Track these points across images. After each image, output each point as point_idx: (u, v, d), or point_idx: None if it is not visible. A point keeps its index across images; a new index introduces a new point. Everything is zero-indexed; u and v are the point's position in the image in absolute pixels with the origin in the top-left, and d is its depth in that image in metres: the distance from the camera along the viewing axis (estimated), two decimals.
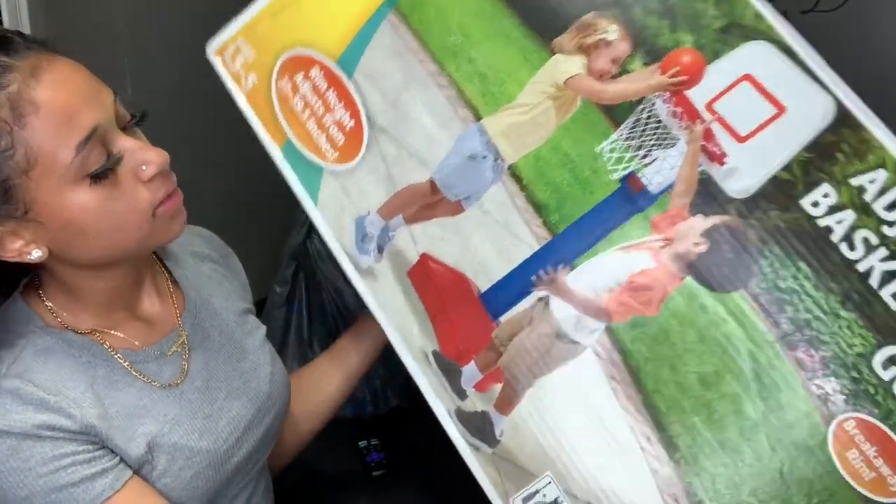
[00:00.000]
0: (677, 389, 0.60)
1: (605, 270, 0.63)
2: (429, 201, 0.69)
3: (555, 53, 0.67)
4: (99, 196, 0.62)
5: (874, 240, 0.58)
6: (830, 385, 0.57)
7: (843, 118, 0.60)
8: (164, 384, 0.72)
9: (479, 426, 0.65)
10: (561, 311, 0.64)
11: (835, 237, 0.58)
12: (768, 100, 0.62)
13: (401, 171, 0.70)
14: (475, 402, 0.65)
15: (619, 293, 0.62)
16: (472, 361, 0.66)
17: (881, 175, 0.58)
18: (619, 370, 0.62)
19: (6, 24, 1.28)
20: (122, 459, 0.68)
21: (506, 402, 0.65)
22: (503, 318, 0.66)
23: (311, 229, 1.74)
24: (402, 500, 0.97)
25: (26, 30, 1.28)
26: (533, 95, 0.67)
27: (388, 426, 1.04)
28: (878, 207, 0.58)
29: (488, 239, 0.67)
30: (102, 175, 0.62)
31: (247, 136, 0.75)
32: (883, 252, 0.57)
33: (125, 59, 0.89)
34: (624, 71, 0.65)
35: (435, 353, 0.67)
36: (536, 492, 0.63)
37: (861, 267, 0.58)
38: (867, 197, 0.58)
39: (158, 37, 1.20)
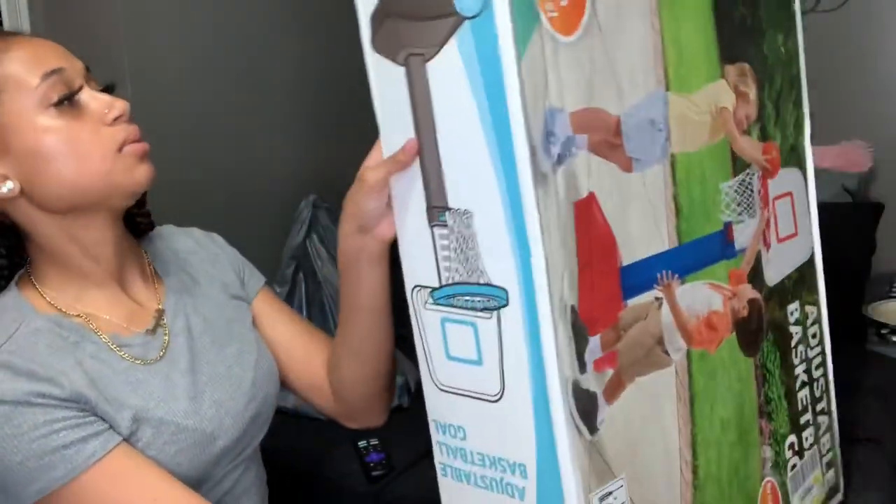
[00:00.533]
0: (709, 425, 0.77)
1: (696, 298, 0.77)
2: (611, 140, 0.68)
3: (723, 78, 0.79)
4: (63, 123, 0.78)
5: (803, 355, 0.89)
6: (768, 453, 0.83)
7: (812, 258, 0.91)
8: (149, 362, 0.86)
9: (588, 408, 0.67)
10: (666, 318, 0.73)
11: (792, 343, 0.88)
12: (793, 219, 0.89)
13: (601, 83, 0.68)
14: (590, 381, 0.66)
15: (700, 323, 0.76)
16: (599, 335, 0.67)
17: (814, 311, 0.91)
18: (685, 393, 0.75)
19: (6, 25, 1.59)
20: (111, 426, 0.80)
21: (612, 391, 0.69)
22: (630, 302, 0.70)
23: (311, 229, 1.85)
24: (402, 500, 0.76)
25: (26, 30, 1.55)
26: (703, 103, 0.77)
27: (388, 426, 1.05)
28: (809, 335, 0.90)
29: (640, 213, 0.72)
30: (67, 105, 0.78)
31: (247, 136, 1.01)
32: (803, 367, 0.89)
33: (125, 60, 1.15)
34: (747, 131, 0.82)
35: (573, 309, 0.65)
36: (610, 493, 0.68)
37: (795, 372, 0.88)
38: (808, 323, 0.90)
39: (158, 37, 1.26)
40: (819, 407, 0.94)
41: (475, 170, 0.67)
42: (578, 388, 0.67)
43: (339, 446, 1.33)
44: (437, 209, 0.71)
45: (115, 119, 0.80)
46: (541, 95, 0.64)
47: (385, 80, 0.72)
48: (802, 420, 0.91)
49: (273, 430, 0.96)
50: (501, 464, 0.71)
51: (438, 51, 0.67)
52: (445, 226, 0.71)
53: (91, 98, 0.80)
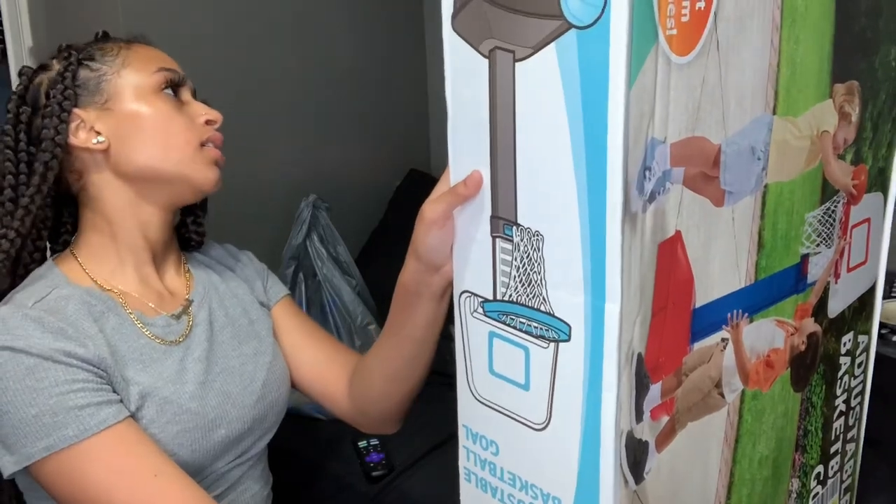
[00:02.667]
0: (748, 464, 0.74)
1: (761, 336, 0.72)
2: (708, 173, 0.61)
3: (830, 98, 0.71)
4: (163, 106, 0.89)
5: (847, 385, 0.85)
6: (795, 485, 0.81)
7: (875, 286, 0.85)
8: (168, 343, 0.90)
9: (637, 458, 0.63)
10: (728, 360, 0.68)
11: (839, 374, 0.83)
12: (866, 247, 0.83)
13: (708, 109, 0.60)
14: (644, 430, 0.62)
15: (759, 362, 0.71)
16: (661, 381, 0.62)
17: (866, 340, 0.86)
18: (732, 434, 0.71)
19: (6, 25, 1.67)
20: (121, 400, 0.84)
21: (664, 439, 0.65)
22: (696, 346, 0.65)
23: (311, 229, 1.85)
24: (402, 500, 0.72)
25: (26, 30, 1.68)
26: (806, 126, 0.69)
27: None
28: (856, 364, 0.86)
29: (723, 251, 0.65)
30: (171, 95, 0.90)
31: (247, 136, 0.95)
32: (843, 397, 0.85)
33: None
34: (842, 155, 0.75)
35: (639, 357, 0.60)
36: None
37: (835, 402, 0.84)
38: (857, 352, 0.86)
39: (158, 37, 1.14)
40: (850, 435, 0.91)
41: (556, 193, 0.60)
42: (632, 439, 0.63)
43: (339, 446, 1.34)
44: (503, 221, 0.65)
45: (208, 122, 0.91)
46: (645, 125, 0.56)
47: (462, 67, 0.63)
48: (832, 450, 0.88)
49: None
50: (534, 490, 0.68)
51: (533, 53, 0.59)
52: (510, 241, 0.64)
53: (192, 101, 0.92)
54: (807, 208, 0.74)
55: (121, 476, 0.76)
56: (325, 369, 0.98)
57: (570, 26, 0.56)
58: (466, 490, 0.75)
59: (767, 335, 0.74)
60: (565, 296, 0.61)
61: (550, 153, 0.59)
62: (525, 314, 0.64)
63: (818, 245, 0.77)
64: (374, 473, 1.37)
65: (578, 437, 0.63)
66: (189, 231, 1.01)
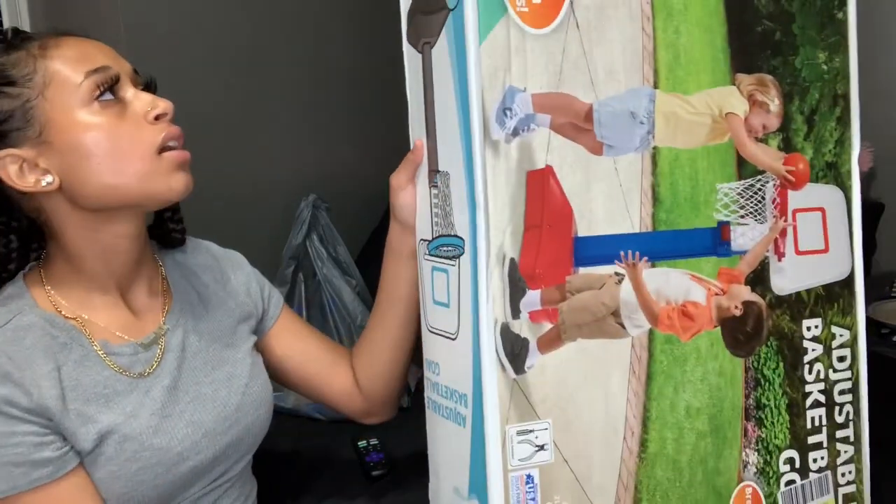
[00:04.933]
0: (669, 406, 0.80)
1: (670, 284, 0.81)
2: (579, 124, 0.76)
3: (733, 84, 0.82)
4: (105, 119, 0.82)
5: (821, 375, 0.87)
6: (752, 458, 0.83)
7: (850, 280, 0.89)
8: (134, 375, 0.88)
9: (516, 350, 0.74)
10: (626, 294, 0.78)
11: (805, 358, 0.86)
12: (823, 235, 0.88)
13: (572, 75, 0.77)
14: (522, 327, 0.74)
15: (671, 309, 0.80)
16: (540, 291, 0.75)
17: (846, 335, 0.88)
18: (640, 368, 0.79)
19: (6, 25, 1.52)
20: (71, 448, 0.83)
21: (547, 343, 0.76)
22: (582, 270, 0.77)
23: (311, 229, 1.87)
24: (402, 500, 0.90)
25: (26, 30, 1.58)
26: (701, 104, 0.82)
27: (388, 426, 1.09)
28: (834, 356, 0.88)
29: (606, 194, 0.78)
30: (110, 100, 0.82)
31: (247, 136, 0.98)
32: (820, 386, 0.87)
33: (125, 60, 0.99)
34: (763, 139, 0.84)
35: (512, 262, 0.74)
36: (531, 431, 0.75)
37: (807, 388, 0.86)
38: (833, 344, 0.88)
39: (158, 37, 1.29)
40: (841, 434, 0.90)
41: (451, 137, 0.79)
42: (508, 331, 0.76)
43: (339, 446, 1.35)
44: (433, 172, 0.84)
45: (158, 118, 0.83)
46: (501, 75, 0.75)
47: (411, 68, 0.87)
48: (812, 440, 0.88)
49: (273, 430, 1.00)
50: (455, 395, 0.81)
51: (437, 38, 0.81)
52: (437, 186, 0.83)
53: (135, 97, 0.83)
54: (717, 179, 0.84)
55: None
56: (329, 370, 1.02)
57: (449, 10, 0.78)
58: (427, 418, 0.88)
59: (680, 286, 0.83)
60: (458, 216, 0.78)
61: (447, 108, 0.79)
62: (445, 242, 0.82)
63: (743, 217, 0.85)
64: (374, 473, 1.37)
65: (470, 334, 0.77)
66: (168, 229, 0.97)
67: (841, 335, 0.91)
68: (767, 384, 0.87)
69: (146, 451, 0.83)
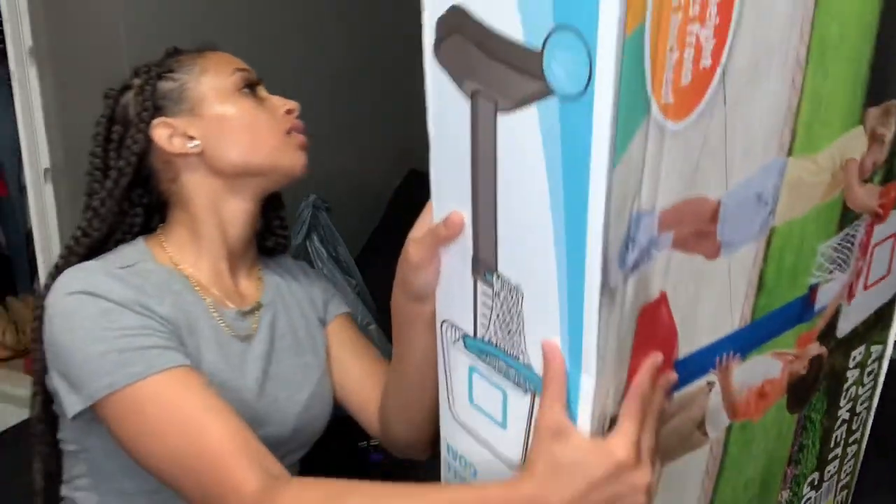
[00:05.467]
0: (731, 491, 0.73)
1: (756, 371, 0.69)
2: (702, 229, 0.58)
3: (861, 124, 0.65)
4: (247, 104, 0.93)
5: (852, 395, 0.83)
6: (785, 496, 0.81)
7: (893, 299, 0.82)
8: (234, 334, 0.93)
9: None
10: (714, 401, 0.67)
11: (845, 385, 0.81)
12: (890, 260, 0.78)
13: (707, 168, 0.56)
14: None
15: (750, 394, 0.70)
16: None
17: (879, 349, 0.83)
18: (714, 467, 0.70)
19: (6, 26, 1.63)
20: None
21: None
22: (677, 394, 0.63)
23: (312, 229, 1.84)
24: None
25: (26, 31, 1.63)
26: (826, 160, 0.64)
27: None
28: (866, 372, 0.83)
29: (714, 300, 0.63)
30: (250, 93, 0.94)
31: None
32: (848, 406, 0.84)
33: (125, 60, 1.11)
34: (870, 178, 0.69)
35: (613, 421, 0.59)
36: None
37: (839, 413, 0.82)
38: (868, 362, 0.83)
39: (158, 38, 1.07)
40: (853, 438, 0.89)
41: (535, 255, 0.57)
42: None
43: (339, 446, 1.27)
44: (484, 265, 0.62)
45: (289, 111, 0.95)
46: (629, 201, 0.52)
47: (445, 101, 0.59)
48: (831, 455, 0.87)
49: None
50: None
51: (515, 108, 0.54)
52: (491, 286, 0.62)
53: (269, 97, 0.96)
54: (820, 240, 0.69)
55: (174, 414, 0.77)
56: (368, 391, 0.98)
57: (551, 91, 0.51)
58: None
59: (762, 369, 0.71)
60: (534, 348, 0.60)
61: (531, 214, 0.56)
62: (504, 359, 0.63)
63: (831, 272, 0.72)
64: (375, 473, 1.35)
65: None
66: (275, 234, 1.05)
67: (875, 352, 0.85)
68: (811, 425, 0.81)
69: (235, 402, 0.84)
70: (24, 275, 2.35)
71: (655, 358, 0.60)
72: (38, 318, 0.84)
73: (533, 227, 0.56)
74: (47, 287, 0.84)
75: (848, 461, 0.91)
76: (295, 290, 1.03)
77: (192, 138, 0.91)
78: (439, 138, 0.61)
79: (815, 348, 0.76)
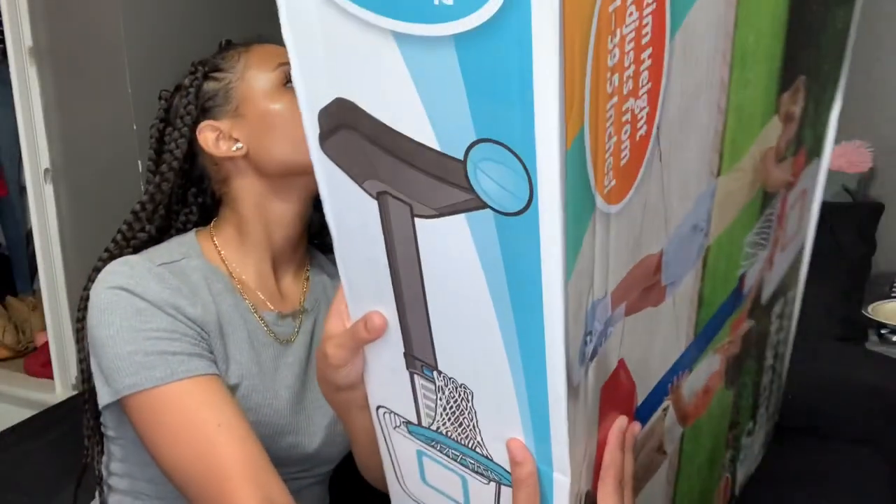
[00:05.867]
0: (688, 480, 0.74)
1: (700, 375, 0.68)
2: (650, 283, 0.54)
3: (776, 113, 0.62)
4: (290, 100, 0.89)
5: (774, 342, 0.85)
6: (728, 454, 0.83)
7: (803, 245, 0.82)
8: (273, 336, 0.92)
9: None
10: (669, 420, 0.65)
11: (769, 340, 0.82)
12: (799, 216, 0.78)
13: (650, 226, 0.51)
14: None
15: (697, 397, 0.69)
16: None
17: (793, 291, 0.84)
18: (672, 473, 0.70)
19: (6, 26, 1.67)
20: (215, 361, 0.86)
21: None
22: (639, 437, 0.61)
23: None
24: None
25: (26, 32, 1.68)
26: (749, 162, 0.61)
27: None
28: (785, 314, 0.84)
29: (664, 337, 0.59)
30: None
31: None
32: (772, 352, 0.85)
33: (125, 60, 1.17)
34: (785, 156, 0.67)
35: (587, 494, 0.56)
36: None
37: (766, 363, 0.84)
38: (786, 310, 0.84)
39: (158, 37, 1.21)
40: (776, 375, 0.91)
41: (483, 357, 0.50)
42: None
43: None
44: (421, 362, 0.55)
45: None
46: (584, 299, 0.46)
47: (346, 199, 0.50)
48: (761, 401, 0.89)
49: None
50: None
51: (437, 216, 0.46)
52: (432, 382, 0.55)
53: None
54: (745, 234, 0.66)
55: (187, 425, 0.77)
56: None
57: (485, 205, 0.43)
58: None
59: (706, 369, 0.70)
60: (494, 443, 0.55)
61: (473, 318, 0.49)
62: (458, 449, 0.58)
63: (754, 255, 0.70)
64: None
65: None
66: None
67: (791, 298, 0.86)
68: (745, 389, 0.81)
69: (266, 407, 0.87)
70: (24, 275, 2.35)
71: (621, 423, 0.56)
72: (83, 306, 0.85)
73: (476, 332, 0.49)
74: (91, 279, 0.85)
75: (774, 396, 0.93)
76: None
77: (236, 140, 0.89)
78: (344, 236, 0.53)
79: (746, 325, 0.75)
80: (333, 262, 0.95)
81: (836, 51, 0.70)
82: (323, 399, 0.84)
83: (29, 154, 1.72)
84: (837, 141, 1.88)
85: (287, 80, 0.89)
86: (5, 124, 1.94)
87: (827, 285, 1.27)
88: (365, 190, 0.49)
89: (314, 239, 1.02)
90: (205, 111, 0.91)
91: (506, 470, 0.55)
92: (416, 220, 0.47)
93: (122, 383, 0.78)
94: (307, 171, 0.81)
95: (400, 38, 0.41)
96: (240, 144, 0.88)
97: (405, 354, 0.56)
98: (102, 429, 0.91)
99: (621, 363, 0.55)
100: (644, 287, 0.53)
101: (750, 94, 0.56)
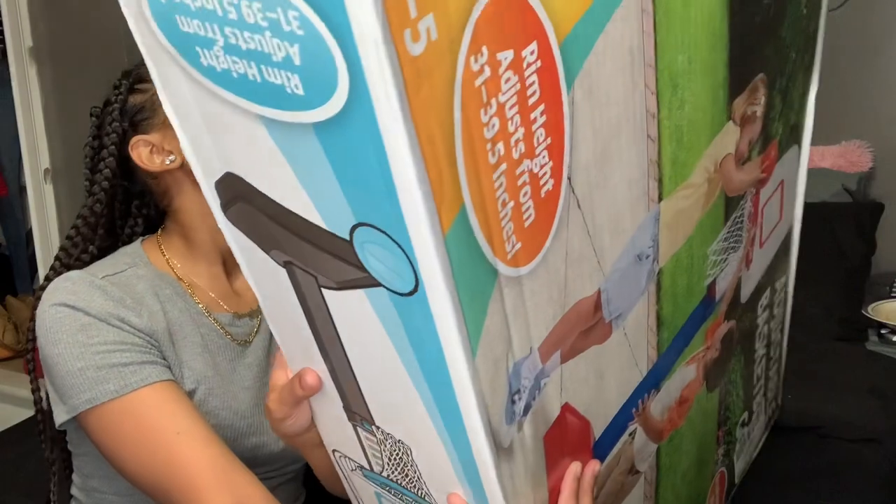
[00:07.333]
0: (671, 487, 0.71)
1: (671, 389, 0.65)
2: (589, 324, 0.51)
3: (730, 119, 0.58)
4: None
5: (765, 333, 0.81)
6: (720, 450, 0.80)
7: (790, 232, 0.78)
8: (231, 339, 0.88)
9: None
10: (639, 442, 0.63)
11: (758, 331, 0.78)
12: (780, 206, 0.73)
13: (578, 272, 0.48)
14: None
15: (671, 411, 0.66)
16: None
17: (783, 280, 0.80)
18: (651, 489, 0.68)
19: (6, 27, 1.64)
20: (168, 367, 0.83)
21: None
22: (603, 464, 0.59)
23: None
24: None
25: (26, 31, 1.66)
26: (700, 175, 0.57)
27: None
28: (775, 302, 0.80)
29: (618, 370, 0.56)
30: None
31: None
32: (764, 342, 0.82)
33: (125, 59, 0.93)
34: (748, 157, 0.63)
35: None
36: None
37: (756, 354, 0.80)
38: (775, 300, 0.80)
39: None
40: (772, 362, 0.87)
41: (411, 419, 0.48)
42: None
43: None
44: (358, 415, 0.54)
45: None
46: (502, 364, 0.44)
47: (257, 264, 0.48)
48: (755, 391, 0.85)
49: None
50: None
51: (339, 289, 0.44)
52: (373, 434, 0.54)
53: None
54: (707, 244, 0.63)
55: (147, 435, 0.76)
56: None
57: (378, 284, 0.41)
58: None
59: (678, 383, 0.67)
60: (436, 493, 0.53)
61: (393, 382, 0.47)
62: (409, 496, 0.57)
63: (725, 260, 0.66)
64: None
65: None
66: None
67: (780, 286, 0.81)
68: (733, 386, 0.78)
69: (225, 410, 0.85)
70: (24, 275, 2.35)
71: (574, 470, 0.54)
72: (33, 323, 0.83)
73: (400, 394, 0.48)
74: (38, 297, 0.83)
75: (772, 381, 0.90)
76: None
77: (170, 153, 0.85)
78: (266, 298, 0.51)
79: (724, 328, 0.71)
80: None
81: (804, 35, 0.65)
82: None
83: (29, 154, 1.71)
84: (837, 141, 1.82)
85: None
86: (5, 124, 1.92)
87: (827, 285, 1.22)
88: (272, 258, 0.47)
89: None
90: (134, 126, 0.87)
91: None
92: (323, 290, 0.45)
93: (77, 399, 0.77)
94: None
95: (268, 122, 0.38)
96: (173, 157, 0.85)
97: (344, 408, 0.54)
98: (69, 446, 0.90)
99: (566, 407, 0.52)
100: (581, 330, 0.51)
101: (689, 112, 0.52)
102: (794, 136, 0.71)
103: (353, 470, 0.60)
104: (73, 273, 0.82)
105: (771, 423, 0.94)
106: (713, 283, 0.66)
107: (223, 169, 0.44)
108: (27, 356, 0.89)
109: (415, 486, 0.54)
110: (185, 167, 0.85)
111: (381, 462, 0.56)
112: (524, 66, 0.37)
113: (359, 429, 0.54)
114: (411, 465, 0.53)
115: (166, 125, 0.85)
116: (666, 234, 0.55)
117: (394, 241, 0.37)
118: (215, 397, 0.84)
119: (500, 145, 0.38)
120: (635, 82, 0.46)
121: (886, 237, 1.78)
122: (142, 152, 0.85)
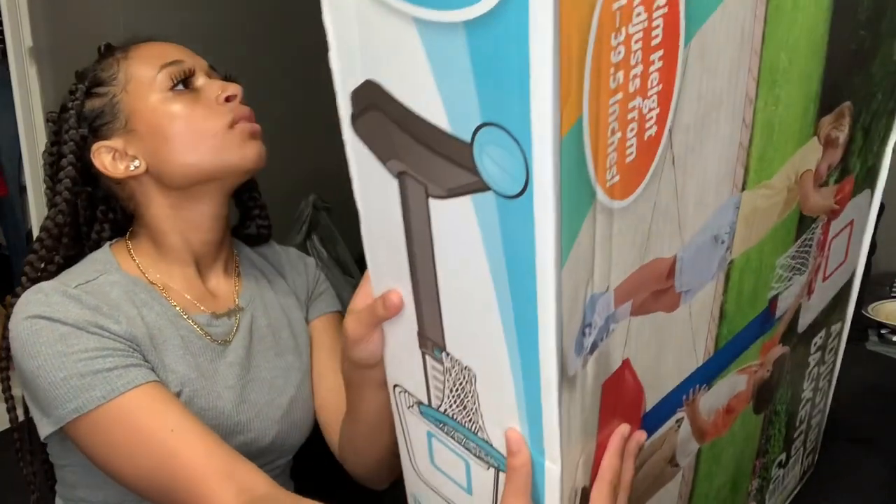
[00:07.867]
0: (704, 499, 0.72)
1: (721, 393, 0.67)
2: (660, 287, 0.54)
3: (815, 135, 0.61)
4: (181, 104, 0.84)
5: (814, 376, 0.82)
6: (755, 484, 0.80)
7: (851, 277, 0.80)
8: (211, 339, 0.88)
9: None
10: (683, 434, 0.64)
11: (808, 370, 0.80)
12: (847, 247, 0.76)
13: (661, 229, 0.51)
14: None
15: (717, 415, 0.68)
16: None
17: (838, 326, 0.82)
18: (686, 490, 0.69)
19: (6, 27, 1.64)
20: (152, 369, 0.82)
21: None
22: (648, 442, 0.60)
23: (312, 229, 1.78)
24: (402, 499, 0.68)
25: (26, 33, 1.65)
26: (781, 181, 0.60)
27: None
28: (827, 349, 0.82)
29: (677, 346, 0.59)
30: (183, 89, 0.85)
31: None
32: (812, 385, 0.83)
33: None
34: (826, 181, 0.66)
35: (583, 491, 0.56)
36: None
37: (804, 395, 0.81)
38: (829, 343, 0.81)
39: (158, 37, 0.97)
40: (816, 410, 0.89)
41: (485, 342, 0.52)
42: None
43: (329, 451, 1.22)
44: (431, 342, 0.57)
45: (228, 99, 0.85)
46: (582, 290, 0.47)
47: (371, 178, 0.52)
48: (796, 434, 0.86)
49: None
50: None
51: (447, 196, 0.48)
52: (441, 363, 0.57)
53: (206, 84, 0.86)
54: (777, 255, 0.66)
55: (140, 437, 0.75)
56: (334, 409, 0.91)
57: (488, 188, 0.45)
58: None
59: (728, 389, 0.69)
60: (493, 427, 0.56)
61: (476, 302, 0.51)
62: (462, 432, 0.59)
63: (790, 279, 0.69)
64: None
65: None
66: (255, 225, 0.99)
67: (835, 330, 0.83)
68: (777, 417, 0.80)
69: (210, 410, 0.84)
70: None
71: (623, 430, 0.56)
72: (5, 338, 0.82)
73: (479, 314, 0.51)
74: (9, 314, 0.81)
75: (813, 431, 0.90)
76: (279, 286, 0.97)
77: (133, 158, 0.84)
78: (369, 215, 0.55)
79: (778, 350, 0.74)
80: (260, 255, 0.99)
81: (892, 80, 0.68)
82: (272, 394, 0.89)
83: (29, 154, 1.69)
84: None
85: (172, 84, 0.84)
86: (5, 125, 1.91)
87: None
88: (388, 169, 0.51)
89: (234, 232, 0.98)
90: (94, 131, 0.85)
91: (503, 456, 0.56)
92: (430, 200, 0.49)
93: (62, 410, 0.76)
94: (213, 177, 0.84)
95: (420, 23, 0.43)
96: (137, 162, 0.84)
97: (418, 334, 0.58)
98: (51, 458, 0.88)
99: (626, 363, 0.55)
100: (654, 290, 0.54)
101: (782, 112, 0.56)
102: (870, 179, 0.74)
103: (409, 407, 0.63)
104: (45, 284, 0.81)
105: (804, 478, 0.95)
106: (776, 298, 0.68)
107: (364, 77, 0.49)
108: (0, 374, 0.88)
109: (470, 421, 0.57)
110: (150, 171, 0.85)
111: (441, 395, 0.59)
112: (654, 7, 0.42)
113: (427, 357, 0.58)
114: (472, 396, 0.55)
115: (128, 129, 0.84)
116: (742, 227, 0.59)
117: (514, 139, 0.41)
118: (200, 398, 0.83)
119: (621, 74, 0.42)
120: (741, 62, 0.50)
121: (886, 237, 1.71)
122: (104, 159, 0.85)
